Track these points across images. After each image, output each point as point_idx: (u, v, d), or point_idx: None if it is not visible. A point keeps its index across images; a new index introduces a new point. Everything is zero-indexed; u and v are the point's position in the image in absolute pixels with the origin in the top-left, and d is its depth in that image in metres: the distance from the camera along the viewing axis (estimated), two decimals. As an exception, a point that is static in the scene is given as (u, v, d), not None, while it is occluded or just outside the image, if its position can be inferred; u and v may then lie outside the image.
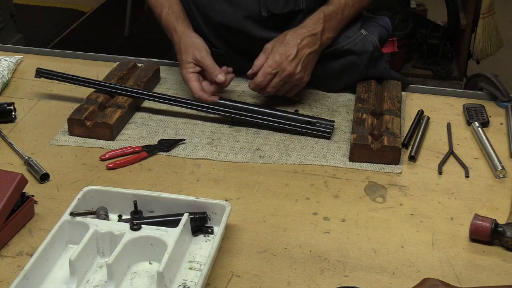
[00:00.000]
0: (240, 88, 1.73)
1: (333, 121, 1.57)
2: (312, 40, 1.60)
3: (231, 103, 1.59)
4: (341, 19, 1.65)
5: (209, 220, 1.25)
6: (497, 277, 1.17)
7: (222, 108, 1.58)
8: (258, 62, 1.59)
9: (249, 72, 1.60)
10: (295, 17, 1.66)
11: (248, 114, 1.58)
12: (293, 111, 1.61)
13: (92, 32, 4.44)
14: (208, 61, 1.61)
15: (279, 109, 1.61)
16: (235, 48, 1.73)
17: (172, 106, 1.63)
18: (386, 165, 1.45)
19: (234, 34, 1.69)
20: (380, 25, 1.73)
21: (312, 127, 1.55)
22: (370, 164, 1.45)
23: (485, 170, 1.44)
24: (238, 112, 1.57)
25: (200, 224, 1.23)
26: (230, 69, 1.66)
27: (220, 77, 1.60)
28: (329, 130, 1.54)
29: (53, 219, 1.27)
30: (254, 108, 1.59)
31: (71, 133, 1.55)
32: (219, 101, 1.59)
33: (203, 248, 1.22)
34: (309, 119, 1.56)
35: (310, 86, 1.72)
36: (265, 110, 1.58)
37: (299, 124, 1.55)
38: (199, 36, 1.66)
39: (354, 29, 1.70)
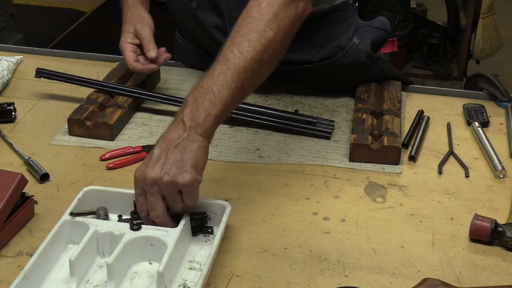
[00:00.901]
0: (240, 88, 1.73)
1: (333, 121, 1.57)
2: (181, 128, 1.20)
3: None
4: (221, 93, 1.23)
5: (209, 220, 1.25)
6: (497, 277, 1.17)
7: None
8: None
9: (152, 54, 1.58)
10: None
11: (248, 114, 1.58)
12: (293, 111, 1.61)
13: (92, 32, 4.44)
14: (147, 34, 1.60)
15: (279, 109, 1.61)
16: None
17: (172, 106, 1.63)
18: (386, 165, 1.45)
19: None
20: (375, 27, 1.66)
21: (312, 127, 1.55)
22: (370, 164, 1.45)
23: (485, 170, 1.44)
24: (238, 112, 1.57)
25: (200, 224, 1.23)
26: (166, 53, 1.64)
27: (152, 53, 1.59)
28: (329, 130, 1.54)
29: (53, 219, 1.27)
30: (254, 108, 1.59)
31: (71, 133, 1.55)
32: None
33: (203, 248, 1.22)
34: (309, 119, 1.56)
35: (309, 90, 1.72)
36: (265, 110, 1.58)
37: (299, 124, 1.55)
38: (147, 12, 1.66)
39: (347, 36, 1.61)
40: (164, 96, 1.62)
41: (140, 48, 1.64)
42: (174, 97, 1.62)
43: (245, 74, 1.24)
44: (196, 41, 1.78)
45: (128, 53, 1.61)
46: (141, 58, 1.63)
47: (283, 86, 1.74)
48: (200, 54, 1.79)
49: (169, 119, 1.62)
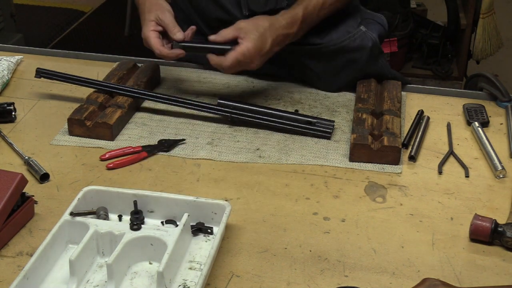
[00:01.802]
0: (240, 88, 1.74)
1: (333, 121, 1.57)
2: (284, 40, 1.59)
3: (231, 103, 1.59)
4: (316, 20, 1.63)
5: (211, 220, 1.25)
6: (497, 277, 1.17)
7: (222, 108, 1.58)
8: (226, 34, 1.56)
9: (212, 37, 1.57)
10: (276, 14, 1.65)
11: (248, 114, 1.58)
12: (293, 111, 1.61)
13: (92, 32, 4.44)
14: (170, 20, 1.60)
15: (279, 109, 1.61)
16: None
17: (172, 106, 1.63)
18: (386, 165, 1.45)
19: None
20: (378, 23, 1.73)
21: (312, 127, 1.55)
22: (370, 164, 1.45)
23: (485, 170, 1.44)
24: (238, 112, 1.57)
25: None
26: (193, 27, 1.63)
27: (179, 35, 1.58)
28: (329, 130, 1.54)
29: (53, 219, 1.27)
30: (254, 108, 1.59)
31: (71, 133, 1.55)
32: (219, 101, 1.59)
33: (203, 248, 1.22)
34: (309, 119, 1.56)
35: (311, 85, 1.73)
36: (265, 110, 1.58)
37: (299, 124, 1.55)
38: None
39: (353, 24, 1.70)
40: (164, 96, 1.62)
41: (163, 35, 1.62)
42: (174, 97, 1.62)
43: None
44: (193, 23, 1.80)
45: (153, 39, 1.59)
46: (165, 45, 1.61)
47: (283, 86, 1.75)
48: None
49: (169, 119, 1.62)
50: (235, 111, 1.57)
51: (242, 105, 1.59)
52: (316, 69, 1.69)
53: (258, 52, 1.54)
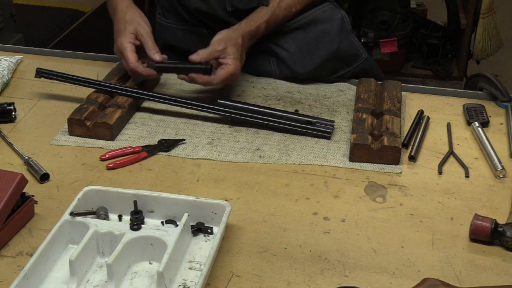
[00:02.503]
0: (240, 88, 1.74)
1: (333, 121, 1.57)
2: (252, 39, 1.69)
3: (231, 103, 1.59)
4: (286, 19, 1.72)
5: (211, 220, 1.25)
6: (497, 277, 1.17)
7: (222, 108, 1.58)
8: (205, 55, 1.60)
9: (193, 58, 1.60)
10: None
11: (248, 114, 1.58)
12: (293, 111, 1.61)
13: (92, 32, 4.44)
14: (149, 38, 1.62)
15: (279, 109, 1.61)
16: (214, 31, 1.78)
17: (172, 106, 1.63)
18: (386, 165, 1.45)
19: (210, 19, 1.75)
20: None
21: (312, 127, 1.55)
22: (370, 164, 1.45)
23: (485, 170, 1.44)
24: (238, 112, 1.57)
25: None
26: (164, 56, 1.65)
27: (157, 56, 1.61)
28: (329, 130, 1.54)
29: (53, 219, 1.27)
30: (254, 108, 1.59)
31: (71, 133, 1.55)
32: (219, 101, 1.59)
33: (203, 248, 1.22)
34: (309, 119, 1.56)
35: (289, 70, 1.75)
36: (265, 110, 1.58)
37: (299, 124, 1.55)
38: (144, 15, 1.69)
39: (321, 3, 1.76)
40: (164, 96, 1.62)
41: (137, 50, 1.63)
42: (174, 97, 1.62)
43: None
44: (178, 17, 1.81)
45: (130, 53, 1.61)
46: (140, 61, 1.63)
47: (283, 86, 1.75)
48: (183, 31, 1.83)
49: (169, 119, 1.62)
50: (235, 111, 1.57)
51: (242, 105, 1.59)
52: (291, 49, 1.74)
53: (240, 66, 1.63)
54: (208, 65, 1.60)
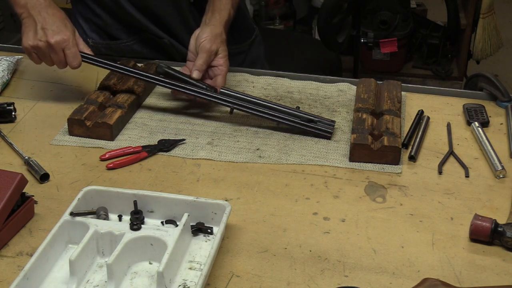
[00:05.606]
0: (240, 88, 1.73)
1: (334, 121, 1.56)
2: (227, 28, 1.72)
3: (233, 93, 1.60)
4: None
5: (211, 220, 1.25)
6: (497, 277, 1.17)
7: (224, 98, 1.58)
8: (203, 66, 1.62)
9: (195, 76, 1.61)
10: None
11: (250, 105, 1.57)
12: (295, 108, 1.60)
13: (92, 32, 4.43)
14: (82, 43, 1.64)
15: (281, 104, 1.61)
16: (177, 38, 1.82)
17: (172, 106, 1.63)
18: (386, 165, 1.45)
19: (171, 20, 1.79)
20: None
21: (313, 126, 1.54)
22: (370, 164, 1.45)
23: (485, 170, 1.44)
24: (240, 103, 1.57)
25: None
26: None
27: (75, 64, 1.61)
28: (330, 131, 1.54)
29: (53, 219, 1.27)
30: (256, 100, 1.59)
31: (71, 133, 1.55)
32: (221, 90, 1.60)
33: (203, 248, 1.22)
34: (311, 117, 1.55)
35: (309, 90, 1.73)
36: (266, 104, 1.58)
37: (301, 121, 1.55)
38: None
39: None
40: (177, 84, 1.61)
41: None
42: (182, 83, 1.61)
43: None
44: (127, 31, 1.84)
45: (82, 44, 1.64)
46: None
47: (283, 86, 1.75)
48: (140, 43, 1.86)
49: (169, 119, 1.62)
50: (237, 102, 1.57)
51: (244, 96, 1.59)
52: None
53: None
54: (212, 89, 1.60)
